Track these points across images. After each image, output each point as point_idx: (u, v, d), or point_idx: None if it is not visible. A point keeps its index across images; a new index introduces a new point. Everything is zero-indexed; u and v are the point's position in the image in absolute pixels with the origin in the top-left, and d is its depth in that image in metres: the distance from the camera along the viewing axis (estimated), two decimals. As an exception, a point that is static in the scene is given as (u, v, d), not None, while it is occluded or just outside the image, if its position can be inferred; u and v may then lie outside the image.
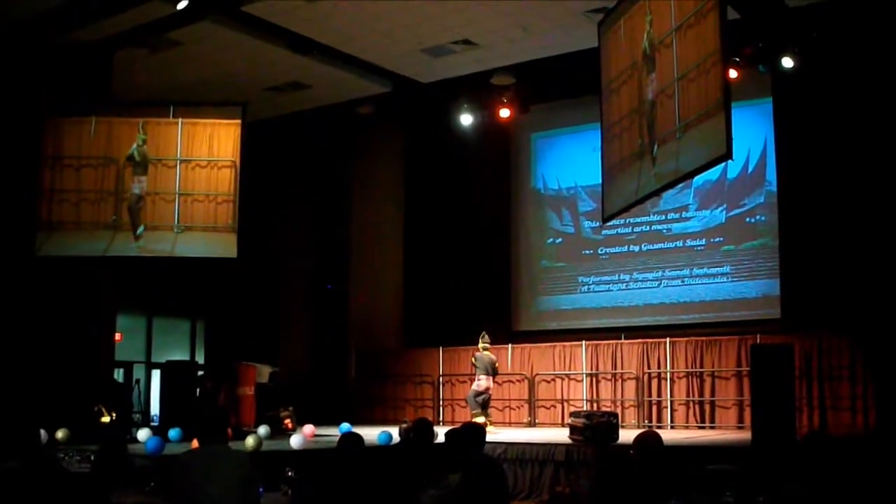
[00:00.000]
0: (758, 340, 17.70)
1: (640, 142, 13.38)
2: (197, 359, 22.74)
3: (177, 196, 17.52)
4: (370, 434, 14.07)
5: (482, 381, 17.76)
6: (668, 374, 19.20)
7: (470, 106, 20.78)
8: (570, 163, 21.96)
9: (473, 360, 17.98)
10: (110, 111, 17.77)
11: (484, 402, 17.86)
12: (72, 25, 16.41)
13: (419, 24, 16.91)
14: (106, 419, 16.29)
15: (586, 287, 21.69)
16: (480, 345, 17.97)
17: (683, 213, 20.36)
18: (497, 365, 18.14)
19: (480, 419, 16.77)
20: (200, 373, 20.07)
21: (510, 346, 21.24)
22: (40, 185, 17.20)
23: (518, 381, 20.96)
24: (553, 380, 20.67)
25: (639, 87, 13.43)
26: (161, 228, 17.47)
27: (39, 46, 16.76)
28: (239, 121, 17.56)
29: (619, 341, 20.11)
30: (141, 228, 17.29)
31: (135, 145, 17.40)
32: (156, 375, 20.84)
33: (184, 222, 17.47)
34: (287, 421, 18.55)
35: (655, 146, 12.74)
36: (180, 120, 17.66)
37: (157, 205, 17.50)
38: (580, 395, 20.21)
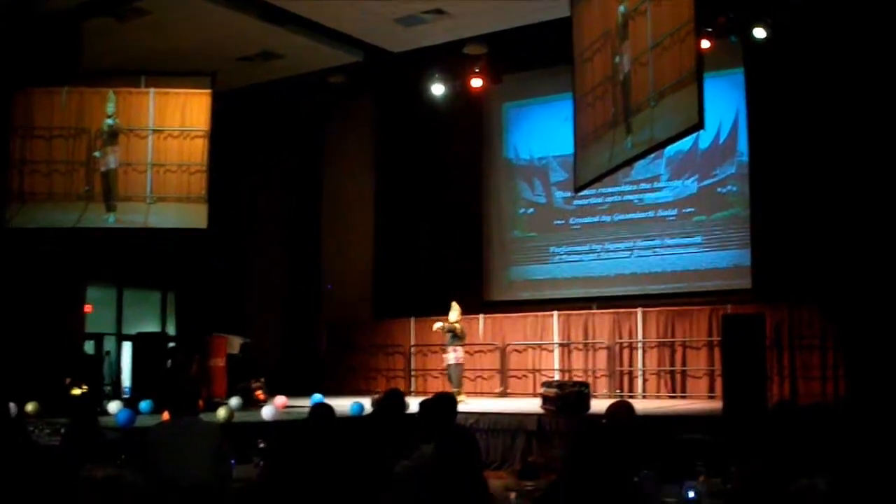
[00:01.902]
0: (729, 310, 17.79)
1: (613, 110, 13.38)
2: (168, 330, 22.63)
3: (149, 166, 17.46)
4: (342, 405, 14.08)
5: (460, 353, 17.71)
6: (640, 343, 19.27)
7: (442, 75, 20.70)
8: (542, 133, 21.88)
9: (452, 330, 17.77)
10: (81, 81, 17.69)
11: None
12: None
13: (391, -8, 16.84)
14: (76, 391, 16.21)
15: (558, 257, 21.67)
16: (457, 315, 17.83)
17: (655, 183, 20.35)
18: None
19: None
20: (171, 344, 20.00)
21: (482, 315, 21.25)
22: (10, 156, 17.10)
23: (490, 350, 21.00)
24: (525, 350, 20.72)
25: (612, 56, 13.42)
26: (134, 199, 17.44)
27: (7, 16, 16.56)
28: (210, 90, 17.50)
29: (591, 311, 20.17)
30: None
31: (106, 120, 17.33)
32: (126, 347, 20.73)
33: (156, 193, 17.43)
34: (258, 392, 18.51)
35: (630, 114, 12.74)
36: (152, 90, 17.59)
37: (130, 175, 17.48)
38: (552, 365, 20.27)
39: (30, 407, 14.55)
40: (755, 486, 5.59)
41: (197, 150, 17.47)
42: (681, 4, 11.44)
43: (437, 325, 18.09)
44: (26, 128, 17.21)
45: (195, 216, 17.49)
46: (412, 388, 21.53)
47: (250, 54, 19.49)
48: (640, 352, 19.32)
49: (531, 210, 22.22)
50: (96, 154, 17.36)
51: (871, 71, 16.72)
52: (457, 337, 17.68)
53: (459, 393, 16.85)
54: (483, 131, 23.03)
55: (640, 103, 12.48)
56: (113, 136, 17.37)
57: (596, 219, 21.13)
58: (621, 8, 13.06)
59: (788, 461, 5.63)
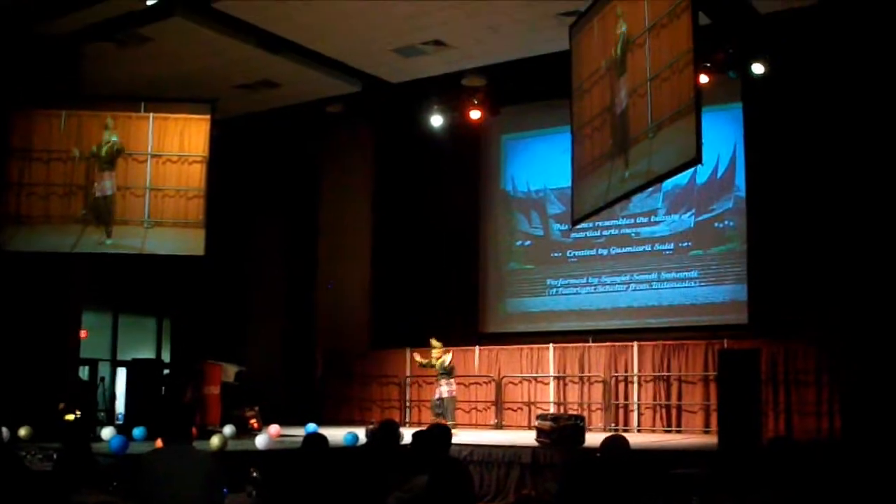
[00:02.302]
0: (725, 345, 17.77)
1: (611, 142, 13.38)
2: (163, 357, 22.60)
3: (147, 191, 17.45)
4: (336, 435, 14.03)
5: (453, 385, 17.70)
6: (636, 377, 19.23)
7: (440, 107, 20.72)
8: (539, 165, 21.88)
9: (440, 362, 17.81)
10: (80, 105, 17.70)
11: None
12: (41, 18, 16.27)
13: (390, 23, 16.84)
14: (70, 417, 16.16)
15: (554, 290, 21.63)
16: (438, 350, 17.89)
17: (652, 217, 20.34)
18: None
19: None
20: (166, 371, 19.96)
21: (477, 347, 21.22)
22: (8, 178, 17.09)
23: (485, 383, 20.94)
24: (520, 382, 20.66)
25: (611, 88, 13.44)
26: (131, 223, 17.42)
27: (7, 38, 16.59)
28: (209, 116, 17.52)
29: (587, 344, 20.12)
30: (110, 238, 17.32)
31: (104, 143, 17.35)
32: (121, 373, 20.70)
33: (154, 217, 17.41)
34: (253, 420, 18.48)
35: (628, 146, 12.75)
36: (151, 115, 17.60)
37: (128, 200, 17.47)
38: (547, 398, 20.21)
39: (23, 432, 14.53)
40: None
41: (195, 176, 17.47)
42: (680, 34, 11.47)
43: (419, 361, 18.29)
44: (24, 150, 17.22)
45: (192, 242, 17.47)
46: (407, 419, 21.46)
47: (249, 82, 19.52)
48: (635, 386, 19.28)
49: (528, 242, 22.19)
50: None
51: (869, 107, 16.74)
52: (447, 371, 17.72)
53: (454, 426, 16.80)
54: (481, 163, 23.02)
55: (638, 135, 12.50)
56: (111, 160, 17.37)
57: (593, 252, 21.10)
58: (620, 40, 13.09)
59: (783, 496, 5.61)
